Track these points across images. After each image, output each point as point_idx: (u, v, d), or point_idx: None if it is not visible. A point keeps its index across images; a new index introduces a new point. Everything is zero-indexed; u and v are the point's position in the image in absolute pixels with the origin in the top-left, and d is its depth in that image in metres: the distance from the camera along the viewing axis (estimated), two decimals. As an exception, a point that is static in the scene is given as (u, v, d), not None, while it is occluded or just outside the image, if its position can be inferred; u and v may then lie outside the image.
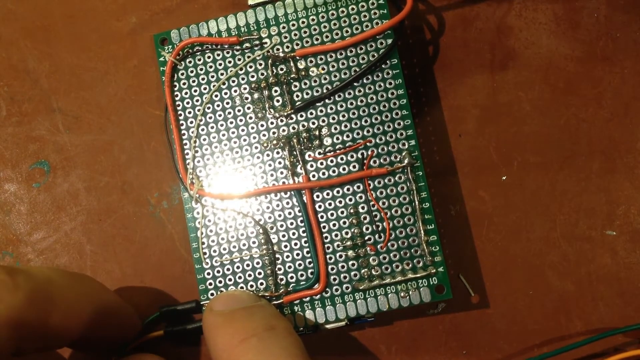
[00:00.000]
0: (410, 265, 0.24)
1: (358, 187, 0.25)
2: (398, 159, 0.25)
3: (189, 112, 0.25)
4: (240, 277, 0.24)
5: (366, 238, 0.24)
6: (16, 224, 0.25)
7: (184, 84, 0.25)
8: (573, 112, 0.27)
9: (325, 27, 0.25)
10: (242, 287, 0.24)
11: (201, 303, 0.24)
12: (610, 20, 0.28)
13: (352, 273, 0.24)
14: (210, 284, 0.24)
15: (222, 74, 0.25)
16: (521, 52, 0.27)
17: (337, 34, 0.25)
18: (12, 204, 0.25)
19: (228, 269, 0.24)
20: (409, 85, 0.27)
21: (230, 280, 0.24)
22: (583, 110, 0.27)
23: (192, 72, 0.25)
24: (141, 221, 0.26)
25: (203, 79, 0.25)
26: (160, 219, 0.26)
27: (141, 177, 0.26)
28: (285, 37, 0.25)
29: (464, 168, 0.27)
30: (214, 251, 0.24)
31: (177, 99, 0.25)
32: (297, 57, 0.25)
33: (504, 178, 0.27)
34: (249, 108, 0.25)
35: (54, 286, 0.19)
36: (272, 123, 0.25)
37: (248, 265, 0.24)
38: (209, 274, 0.24)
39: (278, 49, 0.25)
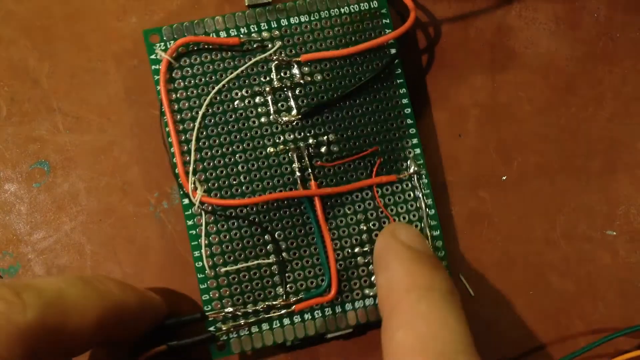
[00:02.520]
0: None
1: (367, 194, 0.25)
2: (404, 167, 0.25)
3: (186, 115, 0.24)
4: (247, 286, 0.24)
5: None
6: (16, 224, 0.25)
7: (179, 84, 0.24)
8: (573, 112, 0.27)
9: (329, 33, 0.25)
10: (249, 297, 0.24)
11: (206, 314, 0.23)
12: (610, 20, 0.28)
13: (362, 279, 0.24)
14: (215, 293, 0.24)
15: (220, 76, 0.24)
16: (521, 52, 0.27)
17: (340, 41, 0.25)
18: (12, 204, 0.25)
19: (234, 278, 0.24)
20: (409, 85, 0.27)
21: (236, 289, 0.24)
22: (583, 110, 0.27)
23: (187, 72, 0.24)
24: (141, 221, 0.26)
25: (200, 80, 0.24)
26: (161, 219, 0.26)
27: (141, 177, 0.26)
28: (289, 41, 0.25)
29: (464, 168, 0.27)
30: (218, 260, 0.24)
31: (172, 99, 0.24)
32: (302, 62, 0.25)
33: (504, 178, 0.27)
34: (251, 112, 0.24)
35: (66, 298, 0.19)
36: (277, 128, 0.24)
37: (255, 273, 0.24)
38: (212, 283, 0.24)
39: (281, 52, 0.25)
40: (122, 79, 0.26)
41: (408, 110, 0.25)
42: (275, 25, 0.25)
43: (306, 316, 0.24)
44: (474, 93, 0.27)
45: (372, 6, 0.25)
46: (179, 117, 0.24)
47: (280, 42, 0.25)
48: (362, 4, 0.25)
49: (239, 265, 0.24)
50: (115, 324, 0.20)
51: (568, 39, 0.28)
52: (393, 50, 0.25)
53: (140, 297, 0.22)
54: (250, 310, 0.23)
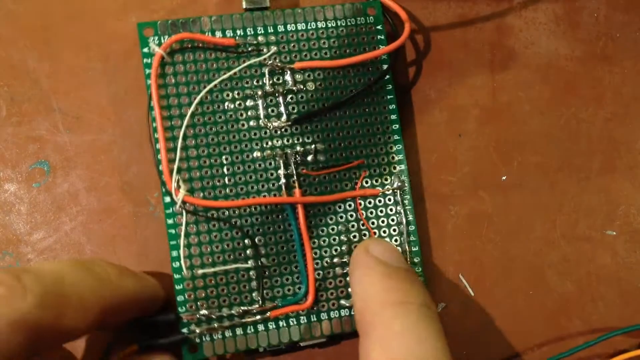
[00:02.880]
0: None
1: (349, 205, 0.25)
2: (388, 181, 0.25)
3: (175, 112, 0.24)
4: (223, 290, 0.23)
5: None
6: (16, 224, 0.25)
7: (170, 80, 0.24)
8: (573, 112, 0.27)
9: (324, 43, 0.25)
10: (224, 300, 0.23)
11: (180, 315, 0.23)
12: (610, 20, 0.28)
13: (339, 290, 0.24)
14: (190, 295, 0.23)
15: (213, 76, 0.24)
16: (521, 52, 0.27)
17: (335, 52, 0.25)
18: (12, 204, 0.25)
19: (210, 280, 0.23)
20: (408, 85, 0.27)
21: (212, 292, 0.23)
22: (583, 110, 0.27)
23: (179, 69, 0.24)
24: (141, 221, 0.26)
25: (192, 78, 0.24)
26: (160, 219, 0.26)
27: (141, 177, 0.26)
28: (284, 48, 0.25)
29: (464, 168, 0.27)
30: (196, 261, 0.23)
31: (161, 95, 0.24)
32: (295, 69, 0.25)
33: (504, 178, 0.27)
34: (241, 115, 0.24)
35: (66, 283, 0.19)
36: (265, 133, 0.24)
37: (233, 277, 0.24)
38: (189, 285, 0.23)
39: (276, 58, 0.25)
40: (122, 79, 0.26)
41: (396, 126, 0.25)
42: (272, 31, 0.25)
43: (281, 323, 0.24)
44: (474, 93, 0.27)
45: (368, 21, 0.25)
46: (167, 113, 0.24)
47: (275, 48, 0.25)
48: (358, 18, 0.25)
49: (217, 268, 0.23)
50: (113, 309, 0.20)
51: (568, 39, 0.28)
52: (385, 66, 0.25)
53: (138, 282, 0.22)
54: (225, 314, 0.23)
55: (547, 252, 0.27)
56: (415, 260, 0.25)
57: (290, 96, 0.25)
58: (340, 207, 0.25)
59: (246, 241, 0.24)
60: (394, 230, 0.25)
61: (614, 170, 0.27)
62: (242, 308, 0.23)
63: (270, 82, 0.24)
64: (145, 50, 0.24)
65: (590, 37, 0.28)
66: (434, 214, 0.26)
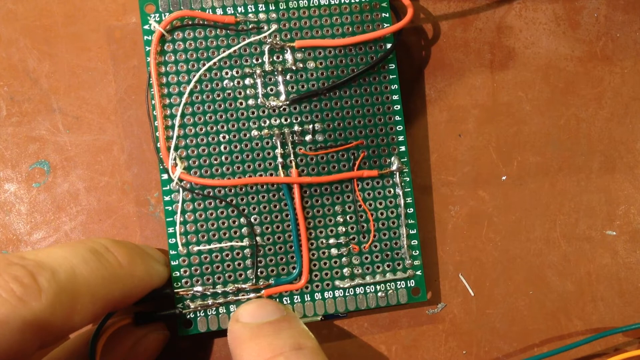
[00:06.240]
0: (390, 267, 0.25)
1: (347, 186, 0.25)
2: (387, 163, 0.25)
3: (174, 89, 0.24)
4: (218, 267, 0.24)
5: (350, 237, 0.24)
6: (16, 224, 0.25)
7: (170, 57, 0.24)
8: (573, 112, 0.27)
9: (326, 21, 0.25)
10: (219, 277, 0.24)
11: (175, 291, 0.23)
12: (610, 20, 0.28)
13: (334, 271, 0.24)
14: (186, 271, 0.24)
15: (212, 53, 0.24)
16: (521, 52, 0.27)
17: (337, 30, 0.25)
18: (12, 204, 0.25)
19: (206, 257, 0.24)
20: (408, 85, 0.27)
21: (207, 269, 0.24)
22: (583, 110, 0.27)
23: (179, 46, 0.24)
24: (141, 221, 0.26)
25: (192, 55, 0.24)
26: (160, 219, 0.26)
27: (141, 177, 0.26)
28: (285, 26, 0.24)
29: (464, 168, 0.27)
30: (191, 238, 0.24)
31: (160, 72, 0.24)
32: (296, 48, 0.24)
33: (504, 178, 0.27)
34: (240, 93, 0.24)
35: (78, 279, 0.19)
36: (263, 112, 0.24)
37: (227, 255, 0.24)
38: (184, 261, 0.24)
39: (276, 36, 0.24)
40: (122, 79, 0.26)
41: (398, 107, 0.25)
42: (273, 8, 0.24)
43: None
44: (474, 93, 0.27)
45: None
46: (166, 90, 0.24)
47: (276, 26, 0.24)
48: None
49: (212, 246, 0.24)
50: (122, 301, 0.21)
51: (568, 39, 0.28)
52: (389, 45, 0.25)
53: (147, 265, 0.22)
54: (220, 291, 0.24)
55: (547, 252, 0.27)
56: (414, 243, 0.25)
57: (289, 75, 0.24)
58: (337, 188, 0.25)
59: (242, 220, 0.24)
60: (392, 212, 0.25)
61: (614, 170, 0.27)
62: (236, 285, 0.24)
63: (270, 60, 0.24)
64: (146, 27, 0.24)
65: (590, 37, 0.28)
66: (434, 214, 0.26)
